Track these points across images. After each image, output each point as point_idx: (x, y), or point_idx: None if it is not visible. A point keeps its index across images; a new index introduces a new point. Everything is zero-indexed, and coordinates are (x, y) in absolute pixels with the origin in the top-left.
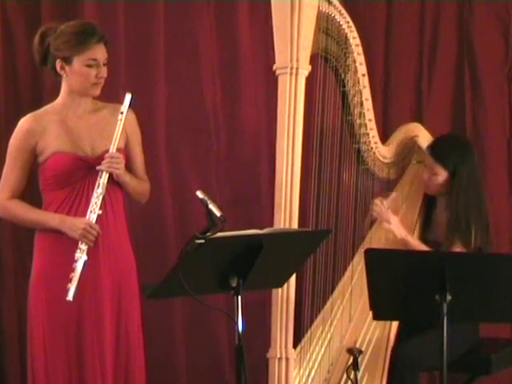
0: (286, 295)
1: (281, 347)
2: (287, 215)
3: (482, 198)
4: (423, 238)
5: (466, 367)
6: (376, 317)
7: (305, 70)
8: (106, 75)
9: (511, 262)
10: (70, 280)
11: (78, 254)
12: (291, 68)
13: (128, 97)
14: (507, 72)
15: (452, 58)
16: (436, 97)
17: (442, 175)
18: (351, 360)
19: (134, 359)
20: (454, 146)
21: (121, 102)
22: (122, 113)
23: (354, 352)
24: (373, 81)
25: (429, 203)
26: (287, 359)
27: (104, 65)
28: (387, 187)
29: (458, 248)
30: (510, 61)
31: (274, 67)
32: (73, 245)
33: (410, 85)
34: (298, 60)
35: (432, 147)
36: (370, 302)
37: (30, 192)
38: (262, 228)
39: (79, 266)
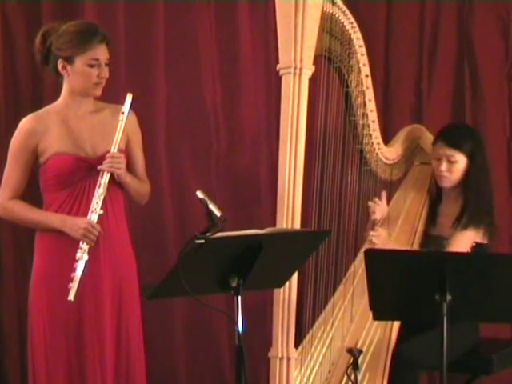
0: (287, 295)
1: (282, 347)
2: (289, 216)
3: (491, 188)
4: (427, 233)
5: (466, 367)
6: (376, 317)
7: (308, 69)
8: (107, 75)
9: (511, 262)
10: (72, 280)
11: (79, 254)
12: (295, 68)
13: (129, 97)
14: (507, 72)
15: (452, 58)
16: (436, 97)
17: (461, 161)
18: (351, 360)
19: (134, 359)
20: (465, 131)
21: (120, 102)
22: (123, 113)
23: (354, 352)
24: (373, 81)
25: (434, 199)
26: (288, 359)
27: (106, 65)
28: (389, 188)
29: (470, 231)
30: (510, 61)
31: (278, 67)
32: (73, 245)
33: (409, 85)
34: (301, 60)
35: (444, 136)
36: (370, 302)
37: (30, 193)
38: (261, 228)
39: (80, 265)
